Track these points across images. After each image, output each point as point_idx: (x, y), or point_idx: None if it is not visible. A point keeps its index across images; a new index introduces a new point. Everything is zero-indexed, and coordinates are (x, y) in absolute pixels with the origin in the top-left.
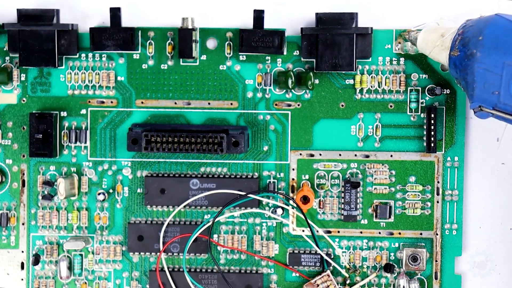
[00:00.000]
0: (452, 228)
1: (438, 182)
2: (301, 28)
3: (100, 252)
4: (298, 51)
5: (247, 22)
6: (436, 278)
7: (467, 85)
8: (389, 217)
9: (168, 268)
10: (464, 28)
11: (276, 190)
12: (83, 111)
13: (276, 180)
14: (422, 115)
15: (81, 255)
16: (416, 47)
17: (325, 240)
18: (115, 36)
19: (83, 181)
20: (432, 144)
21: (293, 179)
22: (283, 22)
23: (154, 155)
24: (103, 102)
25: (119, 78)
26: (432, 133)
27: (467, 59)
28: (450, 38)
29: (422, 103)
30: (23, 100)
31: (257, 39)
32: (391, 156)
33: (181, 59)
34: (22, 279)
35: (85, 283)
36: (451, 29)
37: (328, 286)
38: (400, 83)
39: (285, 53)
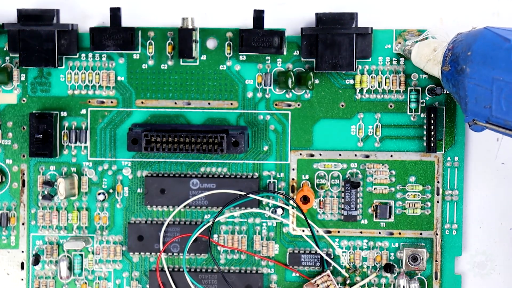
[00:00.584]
0: (452, 228)
1: (438, 182)
2: (301, 28)
3: (100, 252)
4: (298, 51)
5: (247, 22)
6: (436, 278)
7: (460, 99)
8: (389, 217)
9: (168, 268)
10: (454, 43)
11: (276, 190)
12: (83, 111)
13: (276, 180)
14: (422, 115)
15: (81, 255)
16: (411, 60)
17: (325, 240)
18: (115, 36)
19: (83, 181)
20: (432, 144)
21: (293, 179)
22: (283, 22)
23: (154, 155)
24: (103, 102)
25: (119, 78)
26: (432, 133)
27: (457, 74)
28: (441, 53)
29: (422, 103)
30: (23, 100)
31: (257, 39)
32: (391, 156)
33: (181, 59)
34: (22, 279)
35: (85, 283)
36: (442, 43)
37: (328, 286)
38: (400, 83)
39: (285, 53)
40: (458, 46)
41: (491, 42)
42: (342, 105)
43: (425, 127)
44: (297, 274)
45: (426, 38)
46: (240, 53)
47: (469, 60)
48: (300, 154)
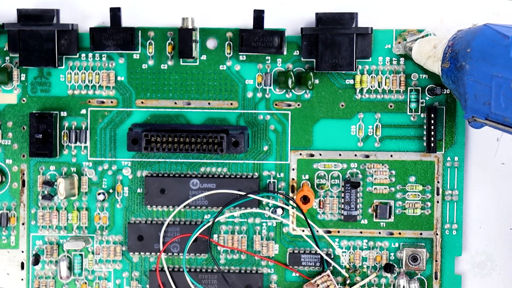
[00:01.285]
0: (452, 228)
1: (438, 182)
2: (301, 28)
3: (100, 252)
4: (298, 51)
5: (247, 22)
6: (436, 278)
7: (459, 96)
8: (389, 217)
9: (168, 268)
10: (454, 40)
11: (276, 190)
12: (83, 111)
13: (276, 180)
14: (422, 115)
15: (81, 255)
16: (412, 57)
17: (325, 240)
18: (115, 36)
19: (83, 181)
20: (432, 144)
21: (293, 179)
22: (283, 22)
23: (154, 155)
24: (103, 102)
25: (119, 78)
26: (432, 133)
27: (457, 71)
28: (441, 49)
29: (422, 103)
30: (23, 100)
31: (257, 39)
32: (391, 156)
33: (181, 59)
34: (22, 279)
35: (85, 283)
36: (443, 40)
37: (328, 286)
38: (400, 83)
39: (285, 53)
40: (458, 43)
41: (490, 39)
42: (342, 105)
43: (425, 127)
44: (297, 274)
45: (427, 35)
46: (240, 53)
47: (468, 57)
48: (300, 154)
